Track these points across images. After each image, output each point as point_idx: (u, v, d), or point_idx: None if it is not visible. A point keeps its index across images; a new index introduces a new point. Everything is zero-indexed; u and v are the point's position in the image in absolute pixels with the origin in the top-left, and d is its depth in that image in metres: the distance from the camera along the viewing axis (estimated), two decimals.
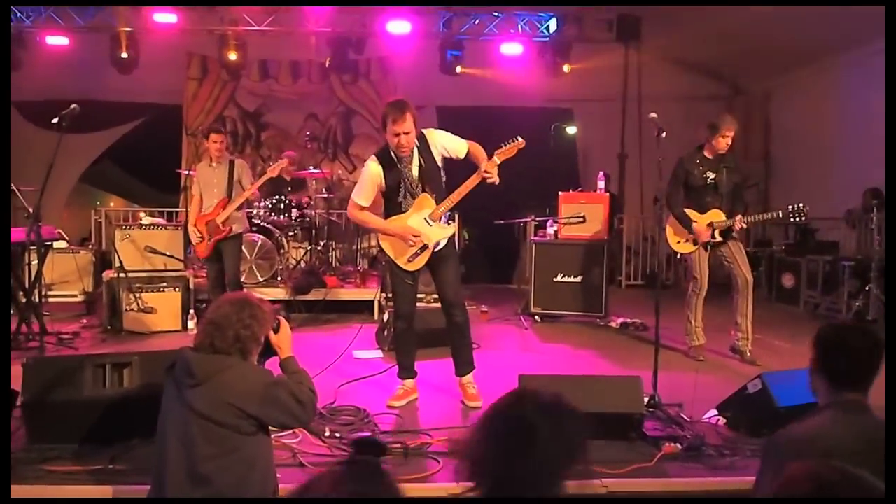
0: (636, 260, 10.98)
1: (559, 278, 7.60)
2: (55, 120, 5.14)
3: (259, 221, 8.01)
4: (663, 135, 4.66)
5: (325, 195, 8.90)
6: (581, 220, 7.44)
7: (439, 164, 4.51)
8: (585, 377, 4.44)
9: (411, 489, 3.34)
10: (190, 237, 6.68)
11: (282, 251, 8.14)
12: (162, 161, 10.78)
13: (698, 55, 11.14)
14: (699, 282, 5.87)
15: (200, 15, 9.97)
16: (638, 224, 10.94)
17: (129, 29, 9.93)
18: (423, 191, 4.48)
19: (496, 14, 10.37)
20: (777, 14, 8.27)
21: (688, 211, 5.79)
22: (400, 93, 10.90)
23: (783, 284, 9.14)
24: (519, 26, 10.43)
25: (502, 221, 8.84)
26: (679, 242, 5.93)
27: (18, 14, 9.64)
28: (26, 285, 6.09)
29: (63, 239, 7.96)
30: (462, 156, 4.50)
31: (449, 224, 4.72)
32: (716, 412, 4.26)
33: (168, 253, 7.14)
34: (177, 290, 6.96)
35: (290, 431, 3.77)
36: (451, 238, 4.62)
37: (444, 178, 4.57)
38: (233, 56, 10.26)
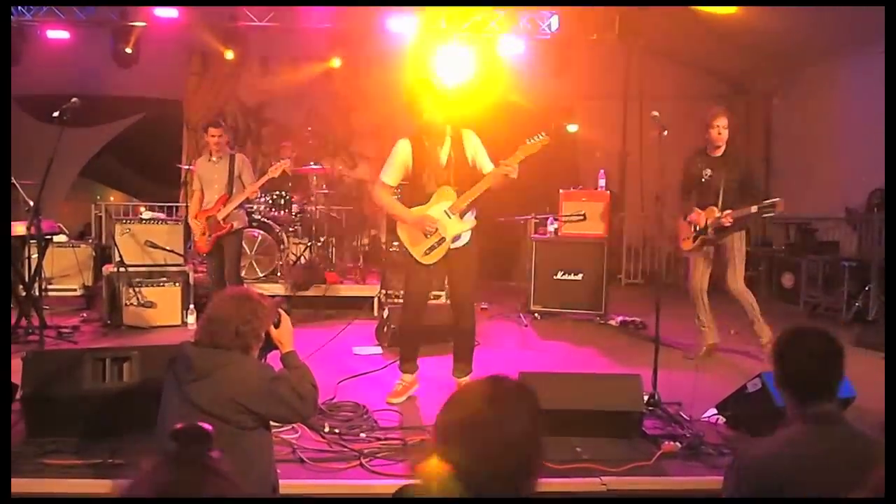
0: (636, 258, 10.98)
1: (559, 276, 7.60)
2: (56, 114, 5.12)
3: (259, 217, 8.00)
4: (665, 133, 4.66)
5: (326, 191, 8.89)
6: (581, 217, 7.44)
7: (469, 162, 4.50)
8: (585, 375, 4.45)
9: None
10: (192, 229, 6.68)
11: (282, 247, 8.13)
12: (162, 156, 10.79)
13: (700, 54, 11.13)
14: (693, 283, 5.89)
15: (202, 10, 9.95)
16: (638, 222, 10.93)
17: (130, 23, 9.91)
18: (449, 183, 4.46)
19: (498, 12, 10.35)
20: (779, 14, 8.27)
21: (694, 208, 5.81)
22: (401, 89, 10.93)
23: (783, 284, 9.15)
24: (521, 24, 10.40)
25: (503, 219, 8.83)
26: (684, 240, 5.95)
27: (19, 8, 9.61)
28: (26, 279, 6.09)
29: (63, 233, 7.96)
30: (485, 172, 4.50)
31: (473, 218, 4.60)
32: (715, 411, 4.27)
33: (168, 248, 7.13)
34: (177, 284, 6.96)
35: (290, 427, 3.78)
36: (474, 237, 4.56)
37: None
38: (230, 55, 10.26)
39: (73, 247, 8.28)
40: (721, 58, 10.97)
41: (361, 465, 3.49)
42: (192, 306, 6.94)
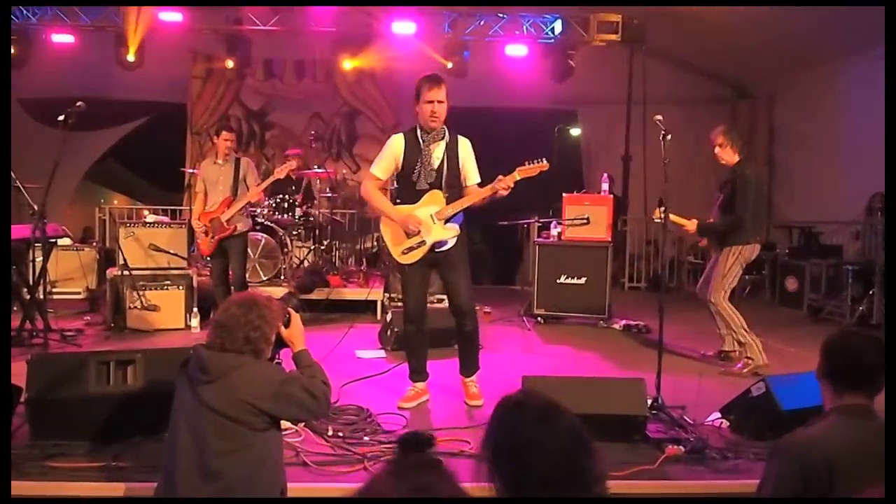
0: (639, 262, 10.97)
1: (562, 280, 7.59)
2: (60, 117, 5.15)
3: (263, 220, 8.01)
4: (668, 137, 4.66)
5: (329, 195, 8.90)
6: (585, 221, 7.44)
7: (460, 168, 4.51)
8: (588, 379, 4.45)
9: None
10: (195, 231, 6.69)
11: (285, 250, 8.14)
12: (166, 159, 10.80)
13: (703, 58, 11.15)
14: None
15: (206, 14, 9.98)
16: (642, 226, 10.93)
17: (134, 27, 9.94)
18: (440, 185, 4.46)
19: (501, 15, 10.36)
20: (782, 17, 8.27)
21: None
22: (404, 93, 10.95)
23: (786, 288, 9.14)
24: (524, 28, 10.42)
25: (506, 223, 8.84)
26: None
27: (24, 12, 9.64)
28: (30, 282, 6.10)
29: (67, 236, 7.97)
30: (467, 183, 4.53)
31: (458, 226, 4.59)
32: (719, 415, 4.26)
33: (172, 251, 7.14)
34: (180, 288, 6.97)
35: (294, 430, 3.78)
36: (461, 242, 4.56)
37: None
38: (230, 64, 10.29)
39: (77, 250, 8.30)
40: (724, 62, 10.99)
41: (365, 468, 3.48)
42: (195, 309, 6.94)
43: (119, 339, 6.44)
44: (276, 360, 3.08)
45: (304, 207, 8.41)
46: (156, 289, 6.88)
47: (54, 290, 7.63)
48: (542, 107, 10.71)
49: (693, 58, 11.20)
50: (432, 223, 4.45)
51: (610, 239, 7.62)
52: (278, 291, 7.37)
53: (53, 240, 6.49)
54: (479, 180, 4.55)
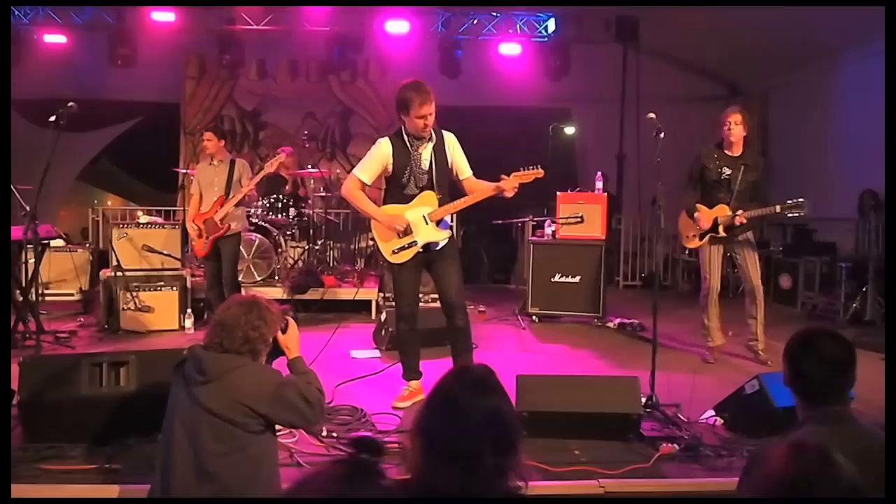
0: (634, 260, 10.98)
1: (557, 278, 7.60)
2: (52, 118, 5.12)
3: (257, 220, 8.00)
4: (661, 135, 4.66)
5: (323, 194, 8.89)
6: (579, 220, 7.44)
7: (450, 165, 4.51)
8: (583, 377, 4.45)
9: None
10: (189, 233, 6.67)
11: (279, 250, 8.13)
12: (159, 160, 10.78)
13: (697, 56, 11.16)
14: (709, 282, 5.83)
15: (198, 14, 9.96)
16: (636, 224, 10.94)
17: (126, 27, 9.93)
18: (431, 187, 4.45)
19: (495, 14, 10.37)
20: (776, 15, 8.28)
21: (697, 205, 5.78)
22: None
23: (781, 285, 9.16)
24: (518, 27, 10.43)
25: (500, 221, 8.84)
26: (688, 237, 5.93)
27: (16, 12, 9.62)
28: (23, 284, 6.08)
29: (60, 237, 7.95)
30: (462, 176, 4.54)
31: (449, 227, 4.63)
32: (713, 413, 4.26)
33: (165, 252, 7.13)
34: (174, 289, 6.95)
35: (288, 431, 3.77)
36: (453, 239, 4.58)
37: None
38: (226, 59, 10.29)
39: (70, 251, 8.27)
40: (717, 59, 11.00)
41: None
42: (189, 311, 6.93)
43: (112, 340, 6.42)
44: None
45: (298, 207, 8.40)
46: (149, 290, 6.86)
47: (47, 291, 7.60)
48: (535, 105, 10.70)
49: (687, 56, 11.22)
50: (425, 224, 4.45)
51: (604, 237, 7.63)
52: (272, 292, 7.39)
53: (46, 241, 6.46)
54: (471, 172, 4.55)
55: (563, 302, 7.62)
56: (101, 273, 7.18)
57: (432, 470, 1.67)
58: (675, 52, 11.16)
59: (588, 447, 3.76)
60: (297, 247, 8.59)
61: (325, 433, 3.84)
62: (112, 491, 3.21)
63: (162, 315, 6.84)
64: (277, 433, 3.54)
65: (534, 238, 7.99)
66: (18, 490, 3.11)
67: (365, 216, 4.67)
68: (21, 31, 9.76)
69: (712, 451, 3.71)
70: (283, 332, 2.94)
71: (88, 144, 11.16)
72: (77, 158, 11.12)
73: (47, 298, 7.44)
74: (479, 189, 4.49)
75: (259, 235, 7.85)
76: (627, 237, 10.96)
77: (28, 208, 5.47)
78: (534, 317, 7.63)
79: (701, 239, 5.79)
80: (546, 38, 10.46)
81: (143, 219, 8.12)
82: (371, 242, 9.75)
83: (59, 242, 8.00)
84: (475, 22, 10.39)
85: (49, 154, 5.04)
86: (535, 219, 8.33)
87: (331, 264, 8.87)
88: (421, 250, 4.46)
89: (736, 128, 5.64)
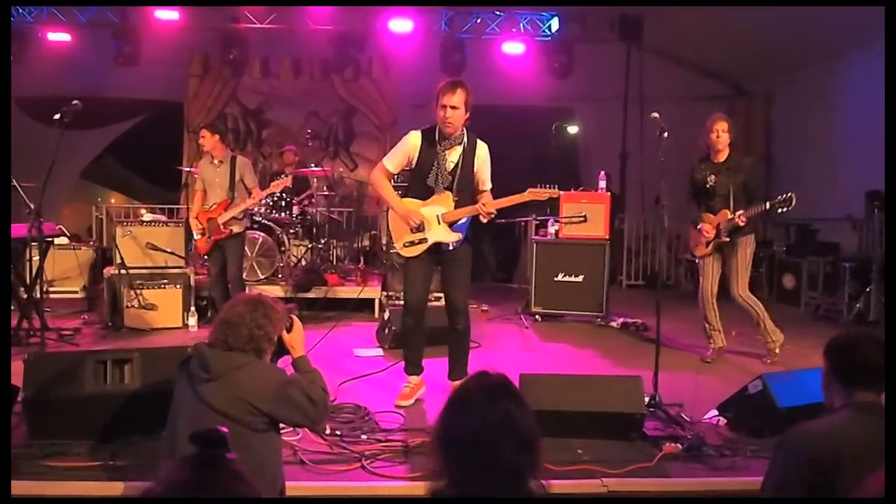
0: (637, 260, 10.97)
1: (560, 278, 7.60)
2: (57, 116, 5.12)
3: (260, 219, 8.00)
4: (665, 135, 4.65)
5: (326, 193, 8.89)
6: (582, 219, 7.44)
7: (475, 173, 4.52)
8: (586, 377, 4.45)
9: (412, 487, 3.35)
10: (192, 230, 6.68)
11: (283, 249, 8.14)
12: (163, 158, 10.79)
13: (700, 55, 11.14)
14: (701, 285, 5.90)
15: (202, 12, 9.97)
16: (639, 224, 10.94)
17: (130, 25, 9.93)
18: (452, 188, 4.45)
19: (498, 13, 10.36)
20: (780, 14, 8.27)
21: (703, 215, 5.81)
22: (401, 91, 10.96)
23: (784, 285, 9.15)
24: (521, 25, 10.42)
25: (503, 220, 8.83)
26: (697, 247, 5.94)
27: (20, 10, 9.63)
28: (27, 281, 6.09)
29: (64, 235, 7.96)
30: (481, 188, 4.55)
31: (464, 231, 4.59)
32: (716, 412, 4.26)
33: (169, 250, 7.13)
34: (178, 286, 6.95)
35: (292, 429, 3.78)
36: (466, 244, 4.56)
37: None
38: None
39: (74, 249, 8.29)
40: (721, 59, 10.98)
41: (363, 466, 3.49)
42: (193, 308, 6.94)
43: (116, 337, 6.44)
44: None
45: (301, 205, 8.41)
46: (153, 287, 6.87)
47: (52, 289, 7.62)
48: (539, 104, 10.69)
49: (690, 55, 11.20)
50: (437, 223, 4.47)
51: (607, 236, 7.63)
52: (275, 290, 7.40)
53: (50, 239, 6.47)
54: (490, 186, 4.57)
55: (566, 301, 7.61)
56: (104, 271, 7.19)
57: (454, 473, 1.70)
58: (679, 51, 11.14)
59: (591, 446, 3.76)
60: (301, 245, 8.60)
61: (328, 431, 3.85)
62: (116, 488, 3.21)
63: (165, 313, 6.85)
64: (281, 431, 3.56)
65: (537, 237, 7.99)
66: (23, 487, 3.12)
67: (385, 203, 4.69)
68: (25, 29, 9.78)
69: (715, 451, 3.71)
70: (289, 331, 2.95)
71: (92, 142, 11.18)
72: (81, 156, 11.15)
73: (51, 296, 7.46)
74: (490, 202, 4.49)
75: (262, 234, 7.86)
76: (631, 236, 10.96)
77: (32, 206, 5.48)
78: (537, 316, 7.63)
79: (707, 247, 5.81)
80: (549, 37, 10.45)
81: (147, 217, 8.12)
82: (372, 241, 9.79)
83: (63, 240, 8.01)
84: (478, 21, 10.39)
85: (53, 152, 5.04)
86: (539, 218, 8.33)
87: (334, 263, 8.88)
88: (431, 248, 4.48)
89: (723, 135, 5.67)
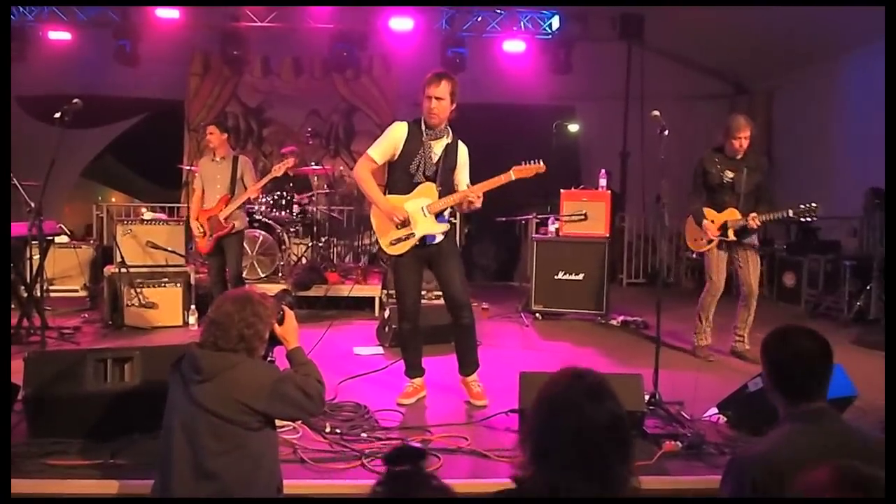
0: (637, 258, 10.97)
1: (560, 276, 7.60)
2: (57, 115, 5.13)
3: (260, 217, 8.01)
4: (666, 133, 4.65)
5: (327, 191, 8.89)
6: (582, 217, 7.44)
7: (455, 172, 4.50)
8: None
9: None
10: (192, 231, 6.69)
11: (283, 247, 8.14)
12: (164, 157, 10.80)
13: (701, 54, 11.13)
14: (715, 283, 5.84)
15: (203, 11, 9.97)
16: (639, 222, 10.94)
17: (131, 24, 9.94)
18: (434, 179, 4.43)
19: (499, 11, 10.36)
20: (781, 13, 8.26)
21: (705, 210, 5.79)
22: (402, 90, 10.95)
23: (784, 283, 9.15)
24: (522, 24, 10.42)
25: (504, 219, 8.83)
26: (695, 240, 5.94)
27: (21, 9, 9.63)
28: (28, 280, 6.10)
29: (65, 234, 7.97)
30: (458, 187, 4.52)
31: (448, 221, 4.60)
32: (716, 410, 4.26)
33: (169, 248, 7.14)
34: (178, 285, 6.96)
35: (291, 427, 3.79)
36: (452, 235, 4.57)
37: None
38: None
39: (74, 247, 8.29)
40: (722, 57, 10.98)
41: (363, 465, 3.49)
42: (193, 307, 6.94)
43: (117, 336, 6.44)
44: (270, 359, 3.07)
45: (302, 204, 8.41)
46: (153, 286, 6.87)
47: (52, 287, 7.62)
48: (539, 103, 10.69)
49: (691, 54, 11.19)
50: (423, 216, 4.42)
51: (608, 235, 7.63)
52: (276, 288, 7.40)
53: (50, 237, 6.47)
54: (466, 186, 4.53)
55: (566, 299, 7.62)
56: (105, 269, 7.20)
57: (553, 475, 1.70)
58: (680, 50, 11.13)
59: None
60: (301, 243, 8.60)
61: (328, 430, 3.85)
62: (116, 487, 3.22)
63: (166, 311, 6.85)
64: (281, 429, 3.56)
65: (537, 235, 7.99)
66: (23, 485, 3.13)
67: (368, 200, 4.63)
68: (26, 27, 9.78)
69: (715, 449, 3.72)
70: (280, 323, 2.93)
71: (93, 141, 11.18)
72: (82, 155, 11.14)
73: (52, 294, 7.45)
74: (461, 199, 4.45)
75: (263, 232, 7.86)
76: (631, 234, 10.96)
77: (33, 205, 5.49)
78: (537, 314, 7.64)
79: (709, 243, 5.79)
80: (550, 36, 10.45)
81: (148, 215, 8.12)
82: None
83: (63, 239, 8.03)
84: (479, 19, 10.38)
85: (54, 150, 5.05)
86: (539, 216, 8.32)
87: (334, 261, 8.88)
88: (418, 243, 4.44)
89: (745, 141, 5.64)
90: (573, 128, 10.91)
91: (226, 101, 11.24)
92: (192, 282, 7.16)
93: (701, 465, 3.60)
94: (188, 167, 9.71)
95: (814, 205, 5.40)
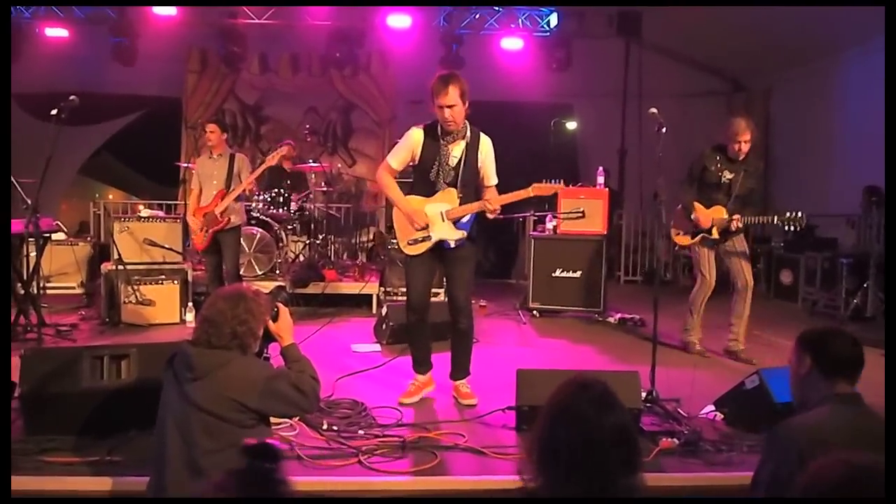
0: (635, 256, 10.97)
1: (558, 273, 7.60)
2: (54, 112, 5.12)
3: (258, 214, 7.99)
4: (663, 130, 4.65)
5: (325, 189, 8.88)
6: (580, 215, 7.43)
7: (479, 168, 4.47)
8: (583, 372, 4.44)
9: (409, 483, 3.35)
10: (190, 226, 6.67)
11: (281, 244, 8.13)
12: (161, 154, 10.79)
13: (699, 51, 11.14)
14: (706, 279, 5.86)
15: (200, 8, 9.95)
16: (637, 220, 10.93)
17: (128, 21, 9.92)
18: (456, 184, 4.41)
19: (497, 9, 10.36)
20: (778, 11, 8.27)
21: (694, 203, 5.79)
22: (400, 87, 10.95)
23: (781, 281, 9.16)
24: (520, 21, 10.41)
25: (501, 216, 8.80)
26: (678, 234, 5.95)
27: (18, 7, 9.61)
28: (24, 277, 6.09)
29: (62, 231, 7.95)
30: (487, 183, 4.51)
31: (467, 229, 4.53)
32: (713, 408, 4.27)
33: (167, 245, 7.13)
34: (175, 282, 6.95)
35: (288, 424, 3.78)
36: (470, 241, 4.52)
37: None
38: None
39: (71, 244, 8.28)
40: (720, 55, 10.99)
41: (360, 462, 3.49)
42: (190, 304, 6.94)
43: (113, 333, 6.43)
44: (265, 356, 3.06)
45: (299, 201, 8.40)
46: (151, 283, 6.86)
47: (49, 284, 7.61)
48: (537, 100, 10.68)
49: (689, 51, 11.20)
50: (441, 220, 4.42)
51: (605, 232, 7.63)
52: (272, 286, 7.39)
53: (47, 234, 6.46)
54: (496, 181, 4.53)
55: (563, 297, 7.62)
56: (102, 266, 7.18)
57: (559, 484, 1.72)
58: (678, 47, 11.14)
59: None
60: (299, 241, 8.59)
61: (325, 427, 3.85)
62: (113, 483, 3.21)
63: (163, 308, 6.85)
64: (277, 426, 3.56)
65: (535, 233, 7.99)
66: (20, 482, 3.12)
67: (391, 202, 4.64)
68: (23, 24, 9.76)
69: (712, 446, 3.72)
70: (274, 319, 2.91)
71: (90, 138, 11.16)
72: (78, 152, 11.13)
73: (48, 291, 7.45)
74: (494, 198, 4.46)
75: (260, 229, 7.85)
76: (629, 232, 10.95)
77: (30, 202, 5.49)
78: (534, 312, 7.64)
79: (692, 238, 5.82)
80: (548, 33, 10.45)
81: (145, 212, 8.12)
82: (372, 237, 9.79)
83: (60, 236, 8.01)
84: (477, 16, 10.38)
85: (50, 148, 5.05)
86: (537, 214, 8.31)
87: (332, 259, 8.87)
88: (435, 246, 4.44)
89: (746, 145, 5.62)
90: (571, 125, 10.90)
91: (223, 99, 11.23)
92: (190, 279, 7.15)
93: (698, 462, 3.60)
94: (185, 164, 9.69)
95: (800, 214, 5.40)
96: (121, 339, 5.98)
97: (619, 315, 7.45)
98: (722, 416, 4.20)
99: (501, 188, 4.54)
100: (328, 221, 8.93)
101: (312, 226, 8.58)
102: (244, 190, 6.45)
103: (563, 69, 10.44)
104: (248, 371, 2.64)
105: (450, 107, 4.23)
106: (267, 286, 7.14)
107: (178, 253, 7.22)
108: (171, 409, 2.61)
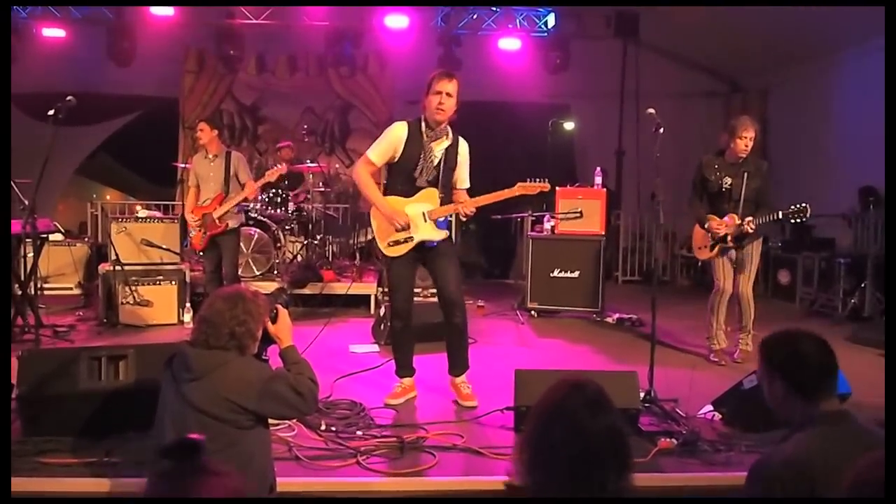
0: (633, 256, 10.98)
1: (556, 274, 7.61)
2: (51, 112, 5.10)
3: (255, 215, 7.99)
4: (661, 131, 4.65)
5: (322, 189, 8.88)
6: (578, 215, 7.44)
7: (455, 169, 4.48)
8: (581, 372, 4.45)
9: (407, 483, 3.35)
10: (188, 224, 6.65)
11: (278, 245, 8.13)
12: (158, 154, 10.76)
13: (697, 52, 11.15)
14: (722, 286, 5.72)
15: (197, 8, 9.94)
16: (635, 220, 10.94)
17: (125, 21, 9.91)
18: (437, 184, 4.40)
19: (494, 9, 10.36)
20: (775, 11, 8.28)
21: (708, 216, 5.66)
22: (397, 87, 10.95)
23: (779, 281, 9.17)
24: (517, 21, 10.41)
25: (499, 216, 8.82)
26: (700, 249, 5.83)
27: (15, 7, 9.59)
28: (22, 278, 6.08)
29: (59, 231, 7.94)
30: (459, 186, 4.53)
31: (447, 227, 4.57)
32: (711, 408, 4.27)
33: (164, 246, 7.12)
34: (173, 283, 6.95)
35: (286, 425, 3.78)
36: (448, 237, 4.53)
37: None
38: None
39: (68, 245, 8.26)
40: (717, 55, 11.00)
41: (358, 462, 3.49)
42: (188, 305, 6.94)
43: (111, 334, 6.42)
44: (264, 357, 3.05)
45: (297, 202, 8.40)
46: (148, 284, 6.86)
47: (46, 285, 7.60)
48: (535, 101, 10.68)
49: (686, 52, 11.21)
50: (423, 221, 4.38)
51: (603, 232, 7.63)
52: (271, 286, 7.39)
53: (44, 235, 6.45)
54: (468, 185, 4.54)
55: (561, 297, 7.63)
56: (99, 267, 7.18)
57: (548, 485, 1.71)
58: (675, 47, 11.15)
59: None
60: (296, 241, 8.59)
61: (323, 427, 3.85)
62: (111, 485, 3.21)
63: (161, 309, 6.84)
64: (276, 427, 3.56)
65: (533, 233, 7.99)
66: (17, 483, 3.11)
67: (368, 201, 4.58)
68: (20, 24, 9.74)
69: (710, 446, 3.72)
70: (273, 321, 2.90)
71: (87, 139, 11.14)
72: (76, 152, 11.12)
73: (46, 292, 7.43)
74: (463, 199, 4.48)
75: (258, 230, 7.85)
76: (626, 232, 10.97)
77: (27, 202, 5.46)
78: (532, 312, 7.64)
79: (712, 250, 5.67)
80: (546, 34, 10.45)
81: (142, 213, 8.11)
82: (370, 237, 9.77)
83: (57, 236, 8.00)
84: (475, 17, 10.38)
85: (48, 148, 5.02)
86: (534, 214, 8.31)
87: (329, 259, 8.87)
88: (416, 247, 4.42)
89: (750, 142, 5.51)
90: (569, 126, 10.89)
91: (220, 99, 11.22)
92: (188, 279, 7.14)
93: (696, 462, 3.60)
94: (183, 165, 9.68)
95: (804, 205, 5.29)
96: (118, 339, 5.98)
97: (617, 315, 7.46)
98: (720, 416, 4.20)
99: (498, 187, 4.52)
100: (326, 222, 8.92)
101: (310, 226, 8.58)
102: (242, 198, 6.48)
103: (561, 69, 10.45)
104: (246, 372, 2.64)
105: (448, 95, 4.26)
106: (265, 287, 7.16)
107: (175, 254, 7.21)
108: (170, 409, 2.60)
